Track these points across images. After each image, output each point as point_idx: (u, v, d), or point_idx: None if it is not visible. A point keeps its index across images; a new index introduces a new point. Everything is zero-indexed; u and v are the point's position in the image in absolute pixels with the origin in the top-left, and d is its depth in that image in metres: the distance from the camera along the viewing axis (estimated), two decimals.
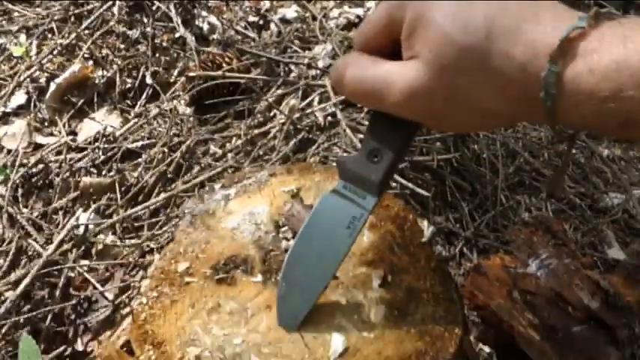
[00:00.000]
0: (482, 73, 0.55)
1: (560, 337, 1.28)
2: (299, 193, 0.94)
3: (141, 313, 0.78)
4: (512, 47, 0.53)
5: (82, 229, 1.19)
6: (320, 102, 1.54)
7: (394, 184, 1.36)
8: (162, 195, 1.22)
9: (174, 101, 1.66)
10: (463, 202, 1.50)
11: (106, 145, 1.45)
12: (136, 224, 1.31)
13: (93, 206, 1.23)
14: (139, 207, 1.18)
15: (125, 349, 0.81)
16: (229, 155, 1.43)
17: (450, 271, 1.34)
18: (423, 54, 0.56)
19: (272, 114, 1.57)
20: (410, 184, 1.29)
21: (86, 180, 1.35)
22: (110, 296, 1.18)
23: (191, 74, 1.53)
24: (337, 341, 0.74)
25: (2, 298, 1.12)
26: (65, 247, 1.15)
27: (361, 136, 1.48)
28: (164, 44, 1.77)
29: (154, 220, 1.32)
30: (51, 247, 1.09)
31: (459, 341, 0.75)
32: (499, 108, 0.57)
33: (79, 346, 1.11)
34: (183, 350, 0.73)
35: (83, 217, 1.23)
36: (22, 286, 1.04)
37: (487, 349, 1.16)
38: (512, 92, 0.55)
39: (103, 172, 1.41)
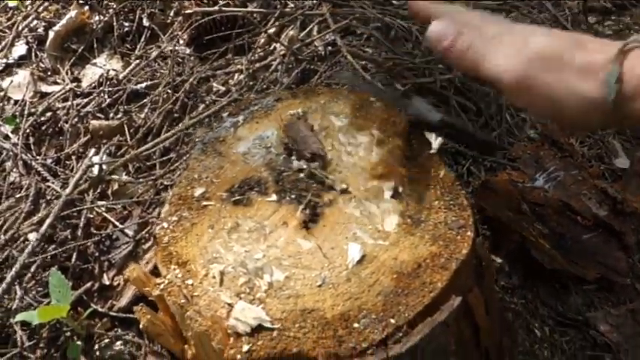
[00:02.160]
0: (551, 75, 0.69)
1: (569, 245, 1.31)
2: (305, 115, 0.96)
3: (163, 237, 0.81)
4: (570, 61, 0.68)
5: (96, 170, 1.22)
6: (319, 32, 1.53)
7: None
8: (171, 132, 1.23)
9: (174, 41, 1.66)
10: (469, 122, 1.50)
11: (110, 89, 1.46)
12: (148, 163, 1.33)
13: (104, 147, 1.25)
14: (149, 144, 1.19)
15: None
16: (233, 90, 1.43)
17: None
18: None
19: (272, 47, 1.57)
20: None
21: (95, 123, 1.37)
22: (130, 233, 1.21)
23: (187, 11, 1.52)
24: (354, 250, 0.76)
25: (27, 240, 1.16)
26: (83, 187, 1.17)
27: (363, 62, 1.48)
28: None
29: (165, 158, 1.34)
30: (69, 187, 1.12)
31: (472, 243, 0.77)
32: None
33: (106, 281, 1.16)
34: (207, 267, 0.77)
35: (96, 158, 1.25)
36: (45, 226, 1.07)
37: (498, 259, 1.20)
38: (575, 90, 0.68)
39: (111, 115, 1.43)
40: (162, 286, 0.75)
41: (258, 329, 0.70)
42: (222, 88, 1.50)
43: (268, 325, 0.70)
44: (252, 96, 1.03)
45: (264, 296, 0.73)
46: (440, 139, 0.90)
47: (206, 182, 0.88)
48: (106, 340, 1.09)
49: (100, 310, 1.11)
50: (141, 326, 0.73)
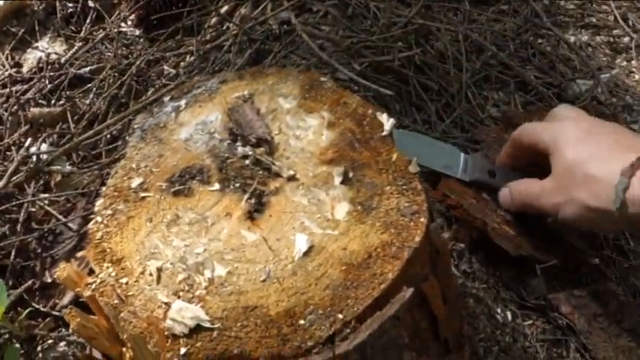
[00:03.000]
0: (581, 185, 0.90)
1: (534, 230, 1.29)
2: (252, 98, 0.90)
3: (96, 232, 0.75)
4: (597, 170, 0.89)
5: (35, 160, 1.14)
6: (273, 9, 1.47)
7: (355, 87, 1.32)
8: (115, 118, 1.16)
9: (122, 23, 1.57)
10: (429, 102, 1.46)
11: (52, 74, 1.38)
12: (93, 152, 1.26)
13: (43, 135, 1.17)
14: (91, 132, 1.12)
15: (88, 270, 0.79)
16: (181, 72, 1.36)
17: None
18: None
19: (224, 26, 1.50)
20: (373, 85, 1.24)
21: (35, 111, 1.29)
22: (74, 226, 1.15)
23: None
24: (301, 241, 0.72)
25: None
26: (19, 179, 1.10)
27: (319, 41, 1.43)
28: None
29: (111, 146, 1.27)
30: (3, 180, 1.05)
31: (425, 229, 0.73)
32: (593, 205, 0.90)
33: (48, 279, 1.09)
34: (143, 264, 0.71)
35: (34, 148, 1.18)
36: None
37: (461, 245, 1.16)
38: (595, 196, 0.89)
39: (53, 102, 1.35)
40: (93, 286, 0.70)
41: (197, 330, 0.65)
42: (173, 71, 1.43)
43: (208, 324, 0.65)
44: (196, 78, 0.97)
45: (204, 294, 0.68)
46: (392, 120, 0.85)
47: (145, 172, 0.82)
48: (49, 341, 1.03)
49: (42, 309, 1.05)
50: (70, 330, 0.68)
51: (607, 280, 1.28)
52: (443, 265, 0.79)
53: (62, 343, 1.02)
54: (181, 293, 0.68)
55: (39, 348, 1.02)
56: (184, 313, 0.65)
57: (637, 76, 1.68)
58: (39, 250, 1.13)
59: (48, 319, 1.04)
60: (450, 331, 0.83)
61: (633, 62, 1.72)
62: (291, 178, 0.80)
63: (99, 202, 0.79)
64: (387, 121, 0.86)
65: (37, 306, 1.04)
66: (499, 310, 1.07)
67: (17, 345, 0.98)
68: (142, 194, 0.79)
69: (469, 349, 0.88)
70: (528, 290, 1.15)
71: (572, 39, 1.75)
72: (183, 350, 0.64)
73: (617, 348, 1.09)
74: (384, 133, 0.85)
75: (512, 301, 1.11)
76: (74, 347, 1.01)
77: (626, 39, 1.77)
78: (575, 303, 1.16)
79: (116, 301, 0.68)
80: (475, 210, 1.23)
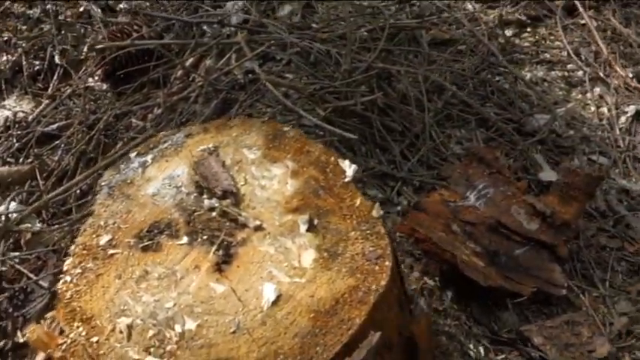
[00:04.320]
0: None
1: (503, 261, 1.32)
2: (217, 150, 0.92)
3: (66, 292, 0.76)
4: None
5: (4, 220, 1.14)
6: (237, 60, 1.51)
7: (320, 132, 1.35)
8: (83, 174, 1.17)
9: (89, 78, 1.60)
10: (394, 142, 1.50)
11: (19, 132, 1.38)
12: (63, 208, 1.27)
13: (12, 194, 1.17)
14: (60, 189, 1.13)
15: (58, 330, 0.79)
16: (150, 125, 1.38)
17: (387, 211, 1.36)
18: None
19: (190, 78, 1.53)
20: (337, 130, 1.28)
21: (3, 170, 1.29)
22: (45, 284, 1.14)
23: (98, 47, 1.46)
24: (269, 290, 0.73)
25: None
26: None
27: (283, 89, 1.46)
28: (69, 20, 1.69)
29: (81, 202, 1.28)
30: None
31: (391, 272, 0.75)
32: None
33: (20, 339, 1.08)
34: (114, 322, 0.72)
35: (4, 207, 1.18)
36: None
37: (431, 282, 1.18)
38: None
39: (21, 160, 1.35)
40: (64, 347, 0.70)
41: None
42: (141, 124, 1.45)
43: None
44: (162, 133, 0.99)
45: (174, 348, 0.69)
46: (354, 167, 0.88)
47: (113, 229, 0.83)
48: None
49: None
50: None
51: (577, 310, 1.31)
52: (410, 306, 0.81)
53: None
54: (152, 349, 0.69)
55: None
56: None
57: (592, 108, 1.75)
58: (10, 310, 1.12)
59: None
60: None
61: (588, 95, 1.79)
62: (258, 228, 0.82)
63: (68, 261, 0.80)
64: (350, 168, 0.89)
65: None
66: (472, 346, 1.09)
67: None
68: (111, 251, 0.80)
69: None
70: (500, 324, 1.17)
71: (528, 75, 1.81)
72: None
73: None
74: (347, 179, 0.87)
75: (484, 336, 1.13)
76: None
77: (580, 73, 1.85)
78: (547, 334, 1.18)
79: None
80: (444, 242, 1.25)
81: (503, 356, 1.10)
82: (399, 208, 1.40)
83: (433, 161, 1.51)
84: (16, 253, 1.19)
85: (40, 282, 1.14)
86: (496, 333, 1.14)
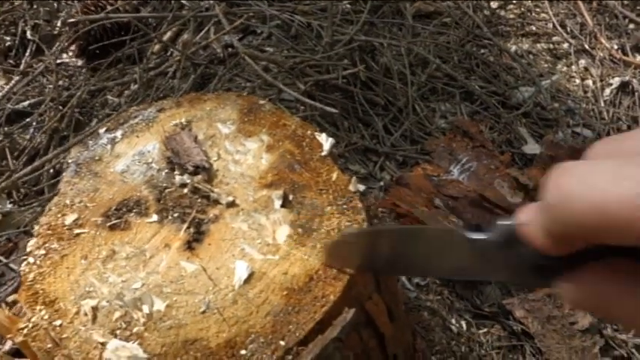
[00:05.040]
0: None
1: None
2: (190, 125, 0.89)
3: (29, 274, 0.73)
4: None
5: None
6: (216, 33, 1.47)
7: (301, 107, 1.32)
8: (53, 153, 1.13)
9: (63, 54, 1.55)
10: (377, 116, 1.47)
11: None
12: (35, 188, 1.23)
13: None
14: (28, 168, 1.09)
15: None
16: (126, 102, 1.34)
17: (369, 186, 1.34)
18: None
19: (168, 53, 1.49)
20: (318, 104, 1.25)
21: None
22: (16, 267, 1.11)
23: (71, 20, 1.41)
24: (241, 268, 0.70)
25: None
26: None
27: (263, 63, 1.43)
28: None
29: (54, 181, 1.24)
30: None
31: None
32: None
33: None
34: (78, 304, 0.69)
35: None
36: None
37: None
38: None
39: None
40: (26, 331, 0.67)
41: None
42: (117, 100, 1.41)
43: None
44: (133, 108, 0.95)
45: (142, 330, 0.66)
46: (331, 140, 0.85)
47: (79, 207, 0.80)
48: None
49: None
50: None
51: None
52: (388, 282, 0.79)
53: None
54: (118, 332, 0.66)
55: None
56: (120, 353, 0.63)
57: (577, 81, 1.73)
58: None
59: None
60: (400, 347, 0.82)
61: (573, 67, 1.77)
62: (231, 205, 0.79)
63: (31, 242, 0.77)
64: (326, 141, 0.86)
65: None
66: (454, 321, 1.08)
67: None
68: (77, 231, 0.77)
69: None
70: (482, 298, 1.16)
71: (513, 48, 1.78)
72: None
73: (570, 349, 1.10)
74: (324, 153, 0.85)
75: (466, 311, 1.12)
76: None
77: (565, 45, 1.82)
78: (529, 307, 1.17)
79: (50, 345, 0.66)
80: (426, 217, 1.24)
81: (485, 330, 1.09)
82: (381, 183, 1.38)
83: (417, 135, 1.49)
84: None
85: (11, 265, 1.11)
86: (478, 307, 1.13)
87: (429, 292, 1.11)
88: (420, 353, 0.90)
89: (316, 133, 0.87)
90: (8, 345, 0.97)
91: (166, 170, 0.84)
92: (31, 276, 0.72)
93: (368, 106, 1.45)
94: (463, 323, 1.08)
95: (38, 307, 0.69)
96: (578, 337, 1.14)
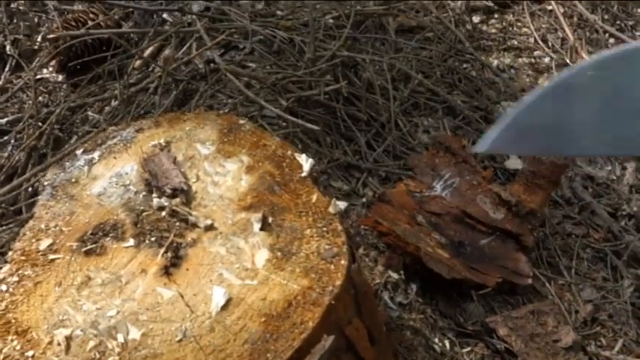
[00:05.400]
0: None
1: (468, 252, 1.30)
2: (169, 145, 0.88)
3: (1, 302, 0.71)
4: None
5: None
6: (197, 49, 1.46)
7: (283, 123, 1.32)
8: (30, 172, 1.11)
9: (43, 69, 1.53)
10: (359, 132, 1.47)
11: None
12: (12, 208, 1.21)
13: None
14: (6, 188, 1.07)
15: None
16: (106, 119, 1.33)
17: (351, 203, 1.33)
18: None
19: (149, 68, 1.48)
20: (299, 121, 1.24)
21: None
22: None
23: (51, 36, 1.40)
24: (218, 294, 0.69)
25: None
26: None
27: (245, 79, 1.42)
28: (21, 8, 1.61)
29: (32, 200, 1.22)
30: None
31: (346, 272, 0.72)
32: None
33: None
34: (51, 333, 0.67)
35: None
36: None
37: (395, 275, 1.16)
38: None
39: None
40: None
41: None
42: (97, 117, 1.39)
43: None
44: (111, 128, 0.94)
45: None
46: (311, 161, 0.85)
47: (54, 232, 0.79)
48: None
49: None
50: None
51: (543, 299, 1.30)
52: (368, 305, 0.78)
53: None
54: None
55: None
56: None
57: None
58: None
59: None
60: None
61: None
62: (209, 228, 0.78)
63: (4, 268, 0.75)
64: (306, 162, 0.85)
65: None
66: (437, 340, 1.07)
67: None
68: (51, 256, 0.76)
69: None
70: (465, 316, 1.16)
71: (495, 62, 1.79)
72: None
73: None
74: (304, 174, 0.84)
75: (450, 329, 1.11)
76: None
77: (547, 59, 1.83)
78: (512, 325, 1.17)
79: None
80: (408, 235, 1.23)
81: (469, 349, 1.09)
82: (364, 199, 1.37)
83: (400, 151, 1.49)
84: None
85: None
86: (462, 325, 1.12)
87: (412, 310, 1.10)
88: None
89: (296, 154, 0.87)
90: None
91: (144, 193, 0.83)
92: (3, 305, 0.71)
93: (350, 122, 1.45)
94: (446, 342, 1.08)
95: (10, 337, 0.68)
96: (562, 355, 1.14)
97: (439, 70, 1.69)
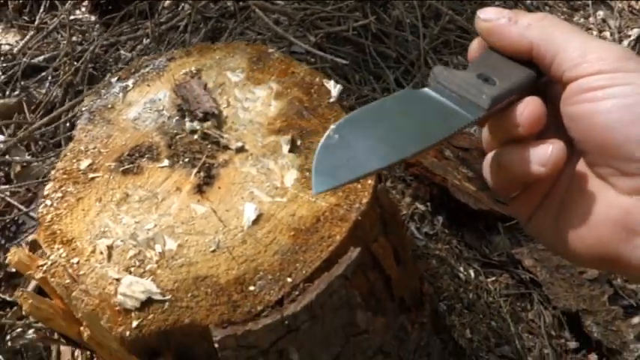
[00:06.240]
0: None
1: None
2: (200, 73, 0.90)
3: (46, 215, 0.75)
4: None
5: None
6: None
7: (312, 59, 1.32)
8: (67, 105, 1.15)
9: (76, 10, 1.56)
10: (388, 69, 1.47)
11: (5, 65, 1.36)
12: (52, 141, 1.26)
13: None
14: (45, 119, 1.11)
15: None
16: (138, 55, 1.35)
17: None
18: None
19: (179, 7, 1.49)
20: (328, 56, 1.25)
21: None
22: (36, 215, 1.14)
23: None
24: (249, 210, 0.72)
25: None
26: None
27: (274, 15, 1.42)
28: None
29: (70, 134, 1.26)
30: None
31: (373, 190, 0.74)
32: None
33: (12, 269, 1.09)
34: (94, 243, 0.71)
35: None
36: None
37: (422, 207, 1.18)
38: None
39: (7, 93, 1.33)
40: (45, 268, 0.70)
41: (148, 303, 0.65)
42: (129, 55, 1.42)
43: (159, 297, 0.66)
44: (144, 58, 0.96)
45: (155, 267, 0.69)
46: (339, 87, 0.86)
47: (93, 153, 0.82)
48: (18, 330, 1.03)
49: (8, 299, 1.05)
50: (23, 312, 0.68)
51: None
52: (394, 225, 0.80)
53: (31, 331, 1.02)
54: (132, 269, 0.69)
55: (7, 337, 1.02)
56: (135, 288, 0.66)
57: (595, 33, 1.70)
58: (2, 241, 1.12)
59: (15, 308, 1.04)
60: (406, 290, 0.84)
61: (590, 19, 1.74)
62: (240, 150, 0.80)
63: (48, 185, 0.79)
64: (334, 88, 0.86)
65: (2, 296, 1.04)
66: (462, 269, 1.09)
67: None
68: (91, 175, 0.79)
69: (429, 307, 0.90)
70: (491, 247, 1.18)
71: (528, 1, 1.76)
72: (135, 323, 0.64)
73: (578, 297, 1.11)
74: (332, 100, 0.85)
75: (475, 260, 1.13)
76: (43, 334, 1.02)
77: None
78: (538, 256, 1.18)
79: (68, 281, 0.69)
80: (436, 167, 1.24)
81: (494, 278, 1.11)
82: None
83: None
84: (7, 186, 1.19)
85: (31, 213, 1.14)
86: (487, 256, 1.14)
87: (438, 241, 1.12)
88: (427, 297, 0.92)
89: (324, 80, 0.88)
90: (32, 286, 1.01)
91: (177, 117, 0.86)
92: (49, 217, 0.75)
93: (379, 59, 1.45)
94: (471, 272, 1.10)
95: (56, 246, 0.72)
96: (587, 286, 1.16)
97: (470, 7, 1.66)
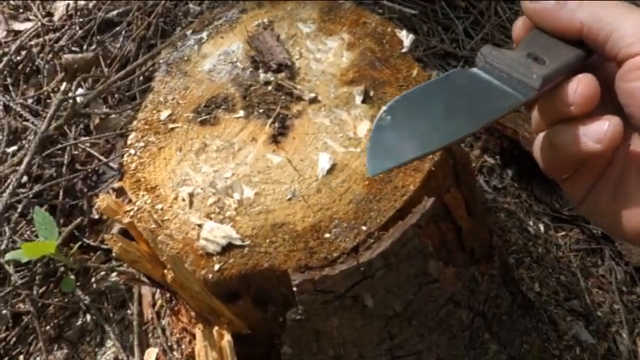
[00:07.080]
0: None
1: None
2: (272, 25, 0.91)
3: (131, 164, 0.79)
4: None
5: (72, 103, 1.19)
6: None
7: (379, 10, 1.30)
8: (142, 58, 1.18)
9: None
10: (457, 19, 1.43)
11: (82, 20, 1.40)
12: (128, 94, 1.30)
13: (77, 80, 1.21)
14: (121, 73, 1.15)
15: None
16: (205, 8, 1.37)
17: None
18: None
19: None
20: (396, 6, 1.23)
21: (68, 57, 1.33)
22: (115, 166, 1.20)
23: None
24: (324, 160, 0.74)
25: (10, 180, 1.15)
26: (59, 122, 1.15)
27: None
28: None
29: (145, 86, 1.30)
30: (44, 124, 1.10)
31: None
32: None
33: (95, 215, 1.16)
34: (176, 191, 0.75)
35: (71, 93, 1.22)
36: (23, 165, 1.06)
37: (491, 160, 1.16)
38: None
39: (85, 48, 1.38)
40: (132, 213, 0.74)
41: (228, 248, 0.69)
42: (198, 9, 1.44)
43: (238, 242, 0.69)
44: (216, 10, 0.98)
45: (234, 214, 0.71)
46: (412, 36, 0.85)
47: (172, 104, 0.85)
48: (102, 273, 1.10)
49: (92, 244, 1.11)
50: (113, 254, 0.72)
51: None
52: (466, 177, 0.80)
53: (113, 274, 1.09)
54: (213, 215, 0.72)
55: (92, 279, 1.09)
56: (216, 233, 0.69)
57: None
58: (85, 190, 1.19)
59: (98, 252, 1.11)
60: (477, 242, 0.85)
61: None
62: (313, 101, 0.81)
63: (131, 135, 0.83)
64: (407, 38, 0.85)
65: (87, 241, 1.11)
66: (531, 223, 1.08)
67: (72, 277, 1.05)
68: (171, 125, 0.82)
69: (498, 259, 0.90)
70: (562, 202, 1.15)
71: None
72: (217, 267, 0.68)
73: None
74: (404, 50, 0.85)
75: (544, 214, 1.12)
76: (125, 277, 1.08)
77: None
78: None
79: (153, 226, 0.72)
80: (506, 120, 1.22)
81: (564, 233, 1.09)
82: None
83: (499, 39, 1.44)
84: (87, 137, 1.25)
85: (110, 164, 1.20)
86: (557, 211, 1.12)
87: (507, 194, 1.11)
88: (497, 250, 0.92)
89: (397, 30, 0.87)
90: (116, 228, 1.07)
91: (251, 69, 0.87)
92: (133, 165, 0.79)
93: (448, 9, 1.41)
94: (541, 226, 1.09)
95: (141, 193, 0.76)
96: None
97: None
